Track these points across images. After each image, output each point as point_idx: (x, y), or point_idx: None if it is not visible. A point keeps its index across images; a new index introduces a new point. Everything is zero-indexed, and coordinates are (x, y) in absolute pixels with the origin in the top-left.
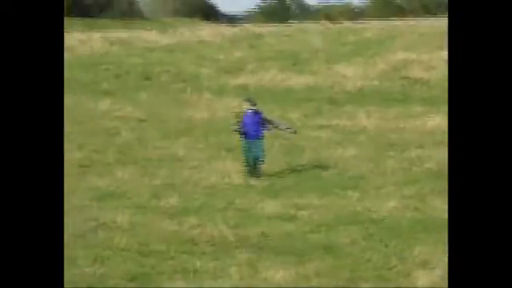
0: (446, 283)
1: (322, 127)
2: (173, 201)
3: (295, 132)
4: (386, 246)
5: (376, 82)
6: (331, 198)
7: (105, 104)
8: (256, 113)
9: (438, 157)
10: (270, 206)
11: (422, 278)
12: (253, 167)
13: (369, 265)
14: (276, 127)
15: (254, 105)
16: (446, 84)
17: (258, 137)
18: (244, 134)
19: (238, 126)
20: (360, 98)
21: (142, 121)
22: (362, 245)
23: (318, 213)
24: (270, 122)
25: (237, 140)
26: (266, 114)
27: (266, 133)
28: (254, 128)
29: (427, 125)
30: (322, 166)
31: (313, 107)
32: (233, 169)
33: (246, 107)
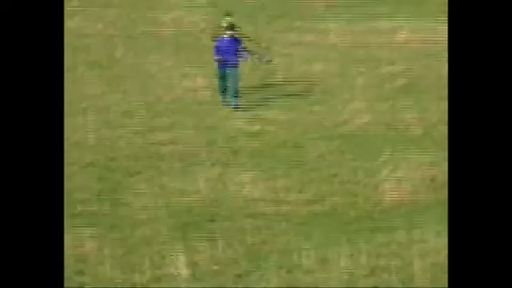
0: (413, 196)
1: (293, 44)
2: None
3: (270, 61)
4: (354, 160)
5: None
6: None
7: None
8: (235, 40)
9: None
10: (239, 122)
11: (390, 191)
12: (229, 95)
13: (336, 179)
14: (256, 58)
15: (234, 29)
16: None
17: (234, 66)
18: (220, 62)
19: (217, 56)
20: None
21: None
22: (328, 160)
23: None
24: (249, 51)
25: (205, 57)
26: (244, 42)
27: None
28: (231, 56)
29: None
30: (291, 81)
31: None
32: (202, 86)
33: (226, 33)
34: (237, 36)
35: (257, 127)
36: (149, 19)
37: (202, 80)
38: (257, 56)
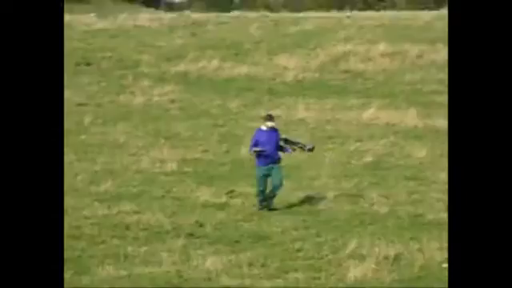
0: (377, 274)
1: (260, 118)
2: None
3: (313, 149)
4: (318, 235)
5: (316, 74)
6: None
7: None
8: (274, 131)
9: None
10: (205, 195)
11: (354, 268)
12: (267, 196)
13: (300, 254)
14: (299, 148)
15: (273, 121)
16: (381, 77)
17: (275, 160)
18: (259, 158)
19: (257, 149)
20: (300, 89)
21: (80, 105)
22: (293, 235)
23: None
24: (291, 142)
25: (173, 128)
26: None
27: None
28: (271, 150)
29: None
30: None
31: (252, 97)
32: (169, 157)
33: (265, 124)
34: (275, 127)
35: (223, 199)
36: (119, 88)
37: (169, 151)
38: (300, 145)
